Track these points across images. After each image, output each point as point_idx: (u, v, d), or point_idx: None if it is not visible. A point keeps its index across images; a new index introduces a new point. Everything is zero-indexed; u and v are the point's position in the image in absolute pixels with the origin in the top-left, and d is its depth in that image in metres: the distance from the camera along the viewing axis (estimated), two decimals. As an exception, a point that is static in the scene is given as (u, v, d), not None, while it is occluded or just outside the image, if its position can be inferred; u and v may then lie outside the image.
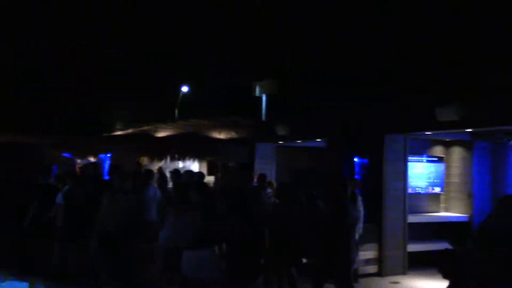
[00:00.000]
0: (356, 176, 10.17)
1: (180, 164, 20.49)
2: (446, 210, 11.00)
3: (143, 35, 27.47)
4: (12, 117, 21.19)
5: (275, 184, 10.12)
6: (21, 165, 10.75)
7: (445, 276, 4.59)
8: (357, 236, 7.49)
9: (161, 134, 23.24)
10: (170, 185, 9.84)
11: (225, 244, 6.36)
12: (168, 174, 11.94)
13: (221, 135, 21.11)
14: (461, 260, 4.40)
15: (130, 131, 23.84)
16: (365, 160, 10.28)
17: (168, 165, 19.39)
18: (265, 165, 13.20)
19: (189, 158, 21.23)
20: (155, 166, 19.56)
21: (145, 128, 22.59)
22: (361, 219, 8.17)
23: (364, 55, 12.48)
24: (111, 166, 8.87)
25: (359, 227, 7.95)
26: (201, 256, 5.68)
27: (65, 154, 17.74)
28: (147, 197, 8.31)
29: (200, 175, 9.45)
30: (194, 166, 20.33)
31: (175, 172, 9.86)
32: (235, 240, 5.86)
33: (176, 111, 26.98)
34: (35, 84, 24.80)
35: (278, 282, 7.06)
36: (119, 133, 24.81)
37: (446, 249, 4.78)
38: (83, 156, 18.61)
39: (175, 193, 6.95)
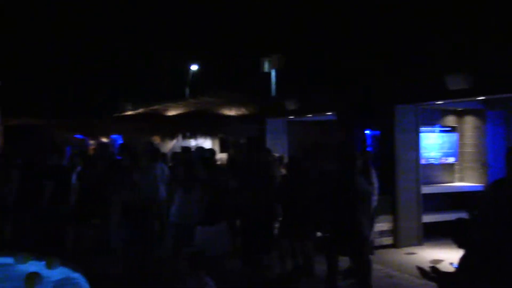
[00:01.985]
0: (368, 148, 10.11)
1: (193, 143, 20.53)
2: (461, 180, 10.93)
3: (152, 13, 27.34)
4: (26, 100, 21.35)
5: (286, 159, 10.12)
6: (35, 147, 10.82)
7: (460, 246, 4.57)
8: (371, 209, 7.48)
9: (171, 113, 23.22)
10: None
11: (238, 219, 6.39)
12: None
13: (231, 112, 21.06)
14: (470, 228, 4.38)
15: (140, 111, 23.86)
16: (377, 132, 10.21)
17: (180, 144, 19.44)
18: (276, 140, 13.19)
19: (201, 136, 21.25)
20: (167, 145, 19.66)
21: (156, 107, 22.59)
22: (375, 191, 8.13)
23: (372, 24, 12.28)
24: (120, 146, 8.88)
25: (373, 200, 7.92)
26: (214, 231, 5.72)
27: (78, 136, 17.87)
28: (155, 175, 8.34)
29: (211, 152, 9.46)
30: (207, 143, 20.35)
31: (185, 149, 9.89)
32: (247, 215, 5.88)
33: (187, 90, 26.97)
34: (47, 67, 24.88)
35: (292, 256, 7.09)
36: (130, 113, 24.85)
37: (459, 218, 4.74)
38: (96, 137, 18.73)
39: (183, 170, 6.97)
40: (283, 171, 8.81)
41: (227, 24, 25.83)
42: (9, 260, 7.81)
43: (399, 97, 9.38)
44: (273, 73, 16.59)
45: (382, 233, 9.20)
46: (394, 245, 9.31)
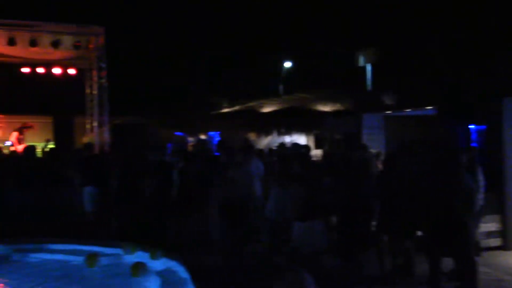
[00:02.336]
0: (473, 144, 9.56)
1: (287, 139, 20.61)
2: None
3: (246, 11, 27.76)
4: (130, 99, 22.58)
5: (383, 155, 9.84)
6: (140, 144, 11.43)
7: None
8: (477, 208, 7.06)
9: (267, 109, 23.51)
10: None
11: (334, 216, 6.31)
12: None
13: (326, 108, 20.89)
14: None
15: (237, 108, 24.38)
16: (482, 127, 9.62)
17: (275, 140, 19.60)
18: (373, 136, 12.86)
19: (296, 133, 21.28)
20: (263, 142, 19.90)
21: (251, 104, 22.98)
22: (481, 190, 7.66)
23: (474, 14, 11.59)
24: (218, 142, 9.12)
25: (479, 198, 7.47)
26: (311, 227, 5.68)
27: (178, 133, 18.59)
28: (250, 171, 8.44)
29: (307, 148, 9.43)
30: (301, 140, 20.33)
31: (281, 145, 9.94)
32: (344, 211, 5.79)
33: (281, 86, 27.13)
34: (151, 66, 26.09)
35: (390, 255, 6.88)
36: (226, 110, 25.46)
37: None
38: (194, 134, 19.38)
39: (278, 166, 7.00)
40: (380, 167, 8.58)
41: (321, 19, 25.60)
42: (117, 250, 8.34)
43: (508, 89, 8.76)
44: (368, 67, 16.20)
45: (489, 234, 8.63)
46: (503, 247, 8.70)
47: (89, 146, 10.45)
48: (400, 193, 6.56)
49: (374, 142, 12.36)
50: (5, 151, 12.26)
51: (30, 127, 15.76)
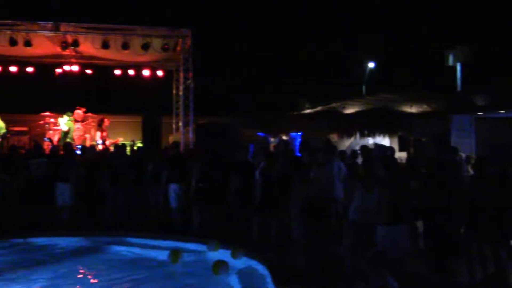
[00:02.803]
0: None
1: (370, 141, 20.18)
2: None
3: (327, 11, 27.52)
4: (213, 100, 23.14)
5: (474, 159, 9.36)
6: (222, 144, 11.66)
7: None
8: None
9: (349, 110, 23.17)
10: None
11: (421, 220, 6.07)
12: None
13: (412, 109, 20.22)
14: None
15: (319, 109, 24.23)
16: None
17: (358, 142, 19.26)
18: (463, 139, 12.28)
19: (379, 134, 20.79)
20: (345, 143, 19.62)
21: (333, 105, 22.75)
22: None
23: None
24: (301, 143, 9.10)
25: None
26: (395, 231, 5.50)
27: (260, 133, 18.76)
28: (332, 173, 8.33)
29: (391, 150, 9.17)
30: (385, 142, 19.82)
31: (363, 147, 9.74)
32: (433, 216, 5.55)
33: (364, 87, 26.64)
34: (234, 68, 26.56)
35: (482, 263, 6.51)
36: (308, 111, 25.37)
37: None
38: (276, 134, 19.45)
39: (363, 168, 6.85)
40: (471, 172, 8.17)
41: (407, 16, 24.83)
42: (201, 247, 8.55)
43: None
44: (458, 66, 15.49)
45: None
46: None
47: (175, 145, 10.80)
48: (493, 199, 6.20)
49: (464, 145, 11.80)
50: (98, 148, 12.98)
51: (102, 121, 16.58)
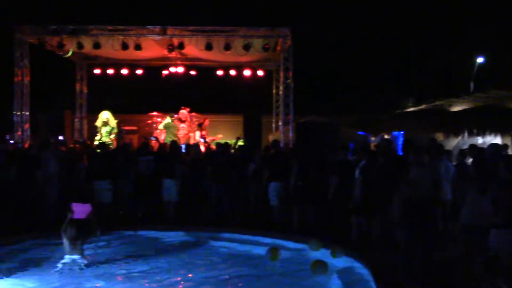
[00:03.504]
0: None
1: (479, 140, 19.02)
2: None
3: (432, 5, 26.34)
4: (313, 98, 23.13)
5: None
6: (321, 143, 11.60)
7: None
8: None
9: (456, 108, 22.02)
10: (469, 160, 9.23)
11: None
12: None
13: (527, 106, 18.80)
14: None
15: (423, 107, 23.29)
16: None
17: (466, 141, 18.24)
18: None
19: (490, 133, 19.52)
20: (451, 143, 18.68)
21: (438, 103, 21.75)
22: None
23: None
24: (404, 142, 8.79)
25: None
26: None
27: (360, 132, 18.45)
28: (438, 173, 7.95)
29: (506, 148, 8.59)
30: (496, 141, 18.58)
31: (472, 147, 9.20)
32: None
33: (472, 83, 25.16)
34: (334, 68, 26.32)
35: None
36: (411, 109, 24.49)
37: None
38: (377, 133, 19.02)
39: (475, 169, 6.46)
40: None
41: None
42: (300, 245, 8.56)
43: None
44: None
45: None
46: None
47: (275, 143, 10.90)
48: None
49: None
50: (202, 146, 13.46)
51: (203, 122, 17.07)
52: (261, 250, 8.20)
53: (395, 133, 19.04)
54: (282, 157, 9.91)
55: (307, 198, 9.18)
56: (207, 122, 17.50)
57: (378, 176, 8.01)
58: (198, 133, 17.08)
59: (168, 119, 16.87)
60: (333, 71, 26.31)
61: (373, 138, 18.30)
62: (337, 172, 8.87)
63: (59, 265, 7.28)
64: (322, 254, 7.91)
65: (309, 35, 22.07)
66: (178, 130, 16.86)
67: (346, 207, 8.48)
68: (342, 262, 7.69)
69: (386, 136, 17.33)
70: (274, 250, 7.90)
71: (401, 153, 9.88)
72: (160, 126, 17.07)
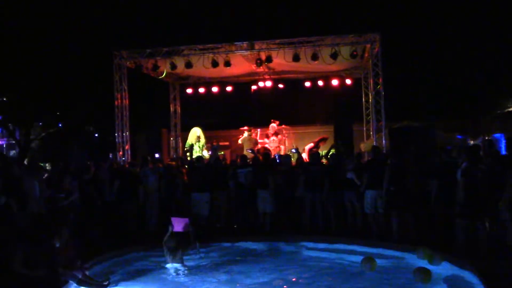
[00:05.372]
0: None
1: None
2: None
3: None
4: (404, 103, 22.46)
5: None
6: (418, 148, 11.19)
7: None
8: None
9: None
10: None
11: None
12: None
13: None
14: None
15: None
16: None
17: None
18: None
19: None
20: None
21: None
22: None
23: None
24: (507, 141, 8.26)
25: None
26: None
27: (459, 136, 17.68)
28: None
29: None
30: None
31: None
32: None
33: None
34: (424, 70, 25.41)
35: None
36: (512, 109, 23.03)
37: None
38: (476, 136, 18.11)
39: None
40: None
41: None
42: (401, 253, 8.24)
43: None
44: None
45: None
46: None
47: (376, 149, 10.62)
48: None
49: None
50: (293, 158, 13.44)
51: (325, 139, 16.99)
52: (358, 259, 8.02)
53: (496, 135, 17.98)
54: (379, 164, 9.63)
55: (405, 204, 8.87)
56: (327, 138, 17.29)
57: (482, 178, 7.58)
58: (308, 146, 16.91)
59: (245, 134, 17.32)
60: (423, 74, 25.37)
61: (471, 142, 17.42)
62: (437, 176, 8.52)
63: (162, 274, 7.60)
64: (425, 261, 7.58)
65: (397, 38, 21.50)
66: (256, 144, 17.19)
67: (448, 211, 8.09)
68: (447, 269, 7.32)
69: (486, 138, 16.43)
70: (370, 260, 7.68)
71: (504, 154, 9.30)
72: (239, 141, 17.49)
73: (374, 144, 14.08)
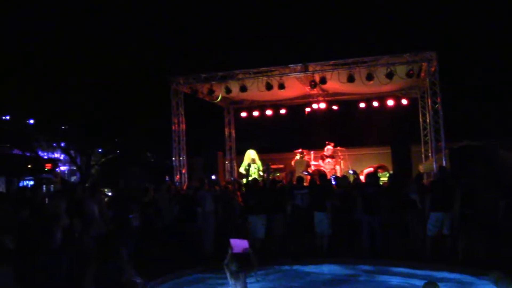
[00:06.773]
0: None
1: None
2: None
3: None
4: (463, 123, 21.81)
5: None
6: (483, 168, 10.80)
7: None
8: None
9: None
10: None
11: None
12: None
13: None
14: None
15: None
16: None
17: None
18: None
19: None
20: None
21: None
22: None
23: None
24: None
25: None
26: None
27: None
28: None
29: None
30: None
31: None
32: None
33: None
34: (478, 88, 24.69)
35: None
36: None
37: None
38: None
39: None
40: None
41: None
42: (467, 277, 7.87)
43: None
44: None
45: None
46: None
47: (443, 169, 10.32)
48: None
49: None
50: (351, 179, 13.26)
51: (383, 167, 16.82)
52: (420, 283, 7.72)
53: None
54: (444, 186, 9.29)
55: (479, 226, 8.51)
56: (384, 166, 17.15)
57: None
58: (366, 171, 16.74)
59: (298, 156, 17.42)
60: (480, 92, 24.61)
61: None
62: (506, 196, 8.16)
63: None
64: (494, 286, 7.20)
65: (454, 55, 21.01)
66: (308, 166, 17.16)
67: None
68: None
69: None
70: (433, 285, 7.37)
71: None
72: (292, 163, 17.60)
73: (434, 165, 13.68)
